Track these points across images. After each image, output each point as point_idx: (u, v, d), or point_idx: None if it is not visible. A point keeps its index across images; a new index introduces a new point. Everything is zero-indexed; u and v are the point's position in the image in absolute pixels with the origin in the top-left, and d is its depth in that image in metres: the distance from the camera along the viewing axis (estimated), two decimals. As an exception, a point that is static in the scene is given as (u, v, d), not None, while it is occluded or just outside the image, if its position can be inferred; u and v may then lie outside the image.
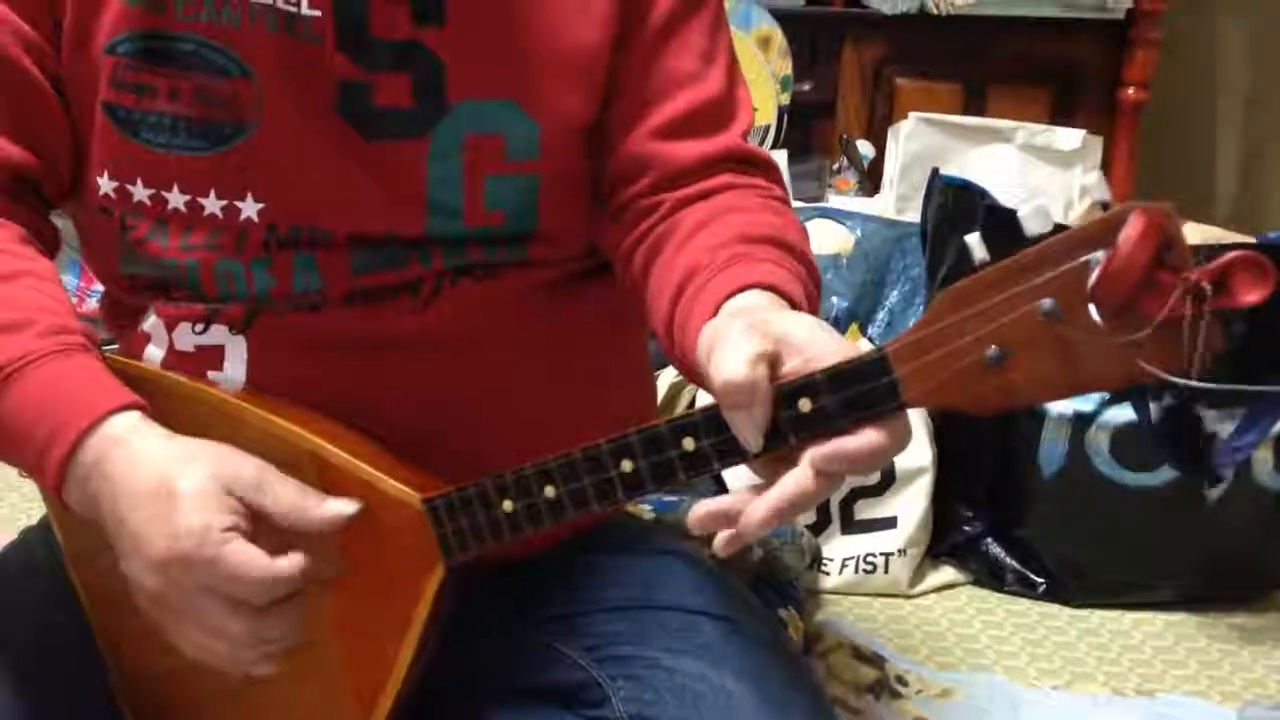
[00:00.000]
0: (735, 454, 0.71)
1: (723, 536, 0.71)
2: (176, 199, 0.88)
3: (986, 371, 0.64)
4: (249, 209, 0.88)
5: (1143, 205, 0.58)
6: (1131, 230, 0.57)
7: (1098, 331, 0.60)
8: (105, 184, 0.89)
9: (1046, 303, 0.61)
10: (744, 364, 0.68)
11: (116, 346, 0.97)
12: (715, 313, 0.78)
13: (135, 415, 0.80)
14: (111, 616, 0.92)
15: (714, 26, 0.95)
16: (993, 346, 0.63)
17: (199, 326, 0.90)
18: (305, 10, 0.86)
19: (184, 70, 0.87)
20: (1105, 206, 2.06)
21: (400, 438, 0.86)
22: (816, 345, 0.70)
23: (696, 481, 0.75)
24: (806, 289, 0.82)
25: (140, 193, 0.88)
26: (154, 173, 0.88)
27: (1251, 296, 0.57)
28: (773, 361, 0.69)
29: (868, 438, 0.68)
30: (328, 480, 0.81)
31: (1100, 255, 0.59)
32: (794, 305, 0.78)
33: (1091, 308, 0.59)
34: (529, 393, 0.93)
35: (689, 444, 0.71)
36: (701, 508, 0.71)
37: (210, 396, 0.87)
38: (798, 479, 0.69)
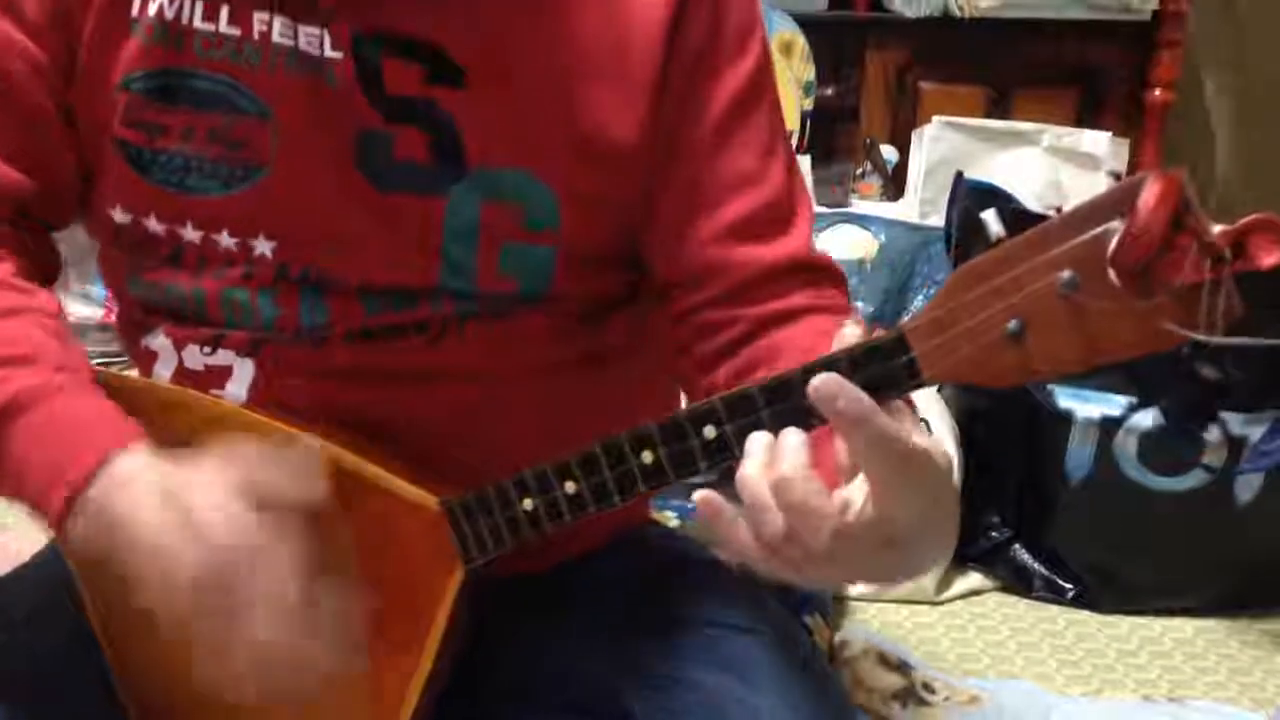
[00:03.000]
0: None
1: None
2: (191, 234, 0.87)
3: (1006, 345, 0.63)
4: (262, 246, 0.86)
5: (1157, 170, 0.58)
6: (1149, 194, 0.57)
7: (1118, 298, 0.59)
8: (119, 216, 0.88)
9: (1065, 274, 0.60)
10: None
11: (127, 360, 0.97)
12: None
13: (142, 454, 0.78)
14: (117, 619, 0.90)
15: (773, 115, 0.89)
16: (1012, 320, 0.62)
17: (207, 349, 0.89)
18: (328, 52, 0.84)
19: (199, 109, 0.85)
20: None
21: (411, 462, 0.84)
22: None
23: (716, 472, 0.74)
24: None
25: (155, 225, 0.87)
26: (168, 209, 0.87)
27: (1271, 259, 0.57)
28: None
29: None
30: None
31: (1117, 224, 0.59)
32: None
33: (1111, 273, 0.59)
34: (545, 421, 0.89)
35: (710, 431, 0.70)
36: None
37: (221, 407, 0.86)
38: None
